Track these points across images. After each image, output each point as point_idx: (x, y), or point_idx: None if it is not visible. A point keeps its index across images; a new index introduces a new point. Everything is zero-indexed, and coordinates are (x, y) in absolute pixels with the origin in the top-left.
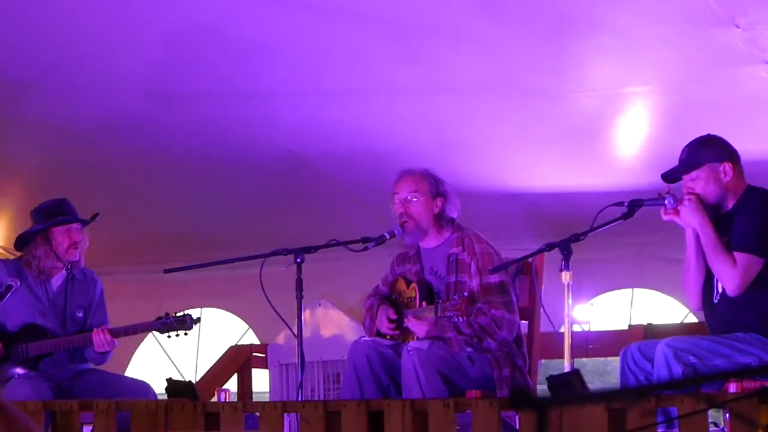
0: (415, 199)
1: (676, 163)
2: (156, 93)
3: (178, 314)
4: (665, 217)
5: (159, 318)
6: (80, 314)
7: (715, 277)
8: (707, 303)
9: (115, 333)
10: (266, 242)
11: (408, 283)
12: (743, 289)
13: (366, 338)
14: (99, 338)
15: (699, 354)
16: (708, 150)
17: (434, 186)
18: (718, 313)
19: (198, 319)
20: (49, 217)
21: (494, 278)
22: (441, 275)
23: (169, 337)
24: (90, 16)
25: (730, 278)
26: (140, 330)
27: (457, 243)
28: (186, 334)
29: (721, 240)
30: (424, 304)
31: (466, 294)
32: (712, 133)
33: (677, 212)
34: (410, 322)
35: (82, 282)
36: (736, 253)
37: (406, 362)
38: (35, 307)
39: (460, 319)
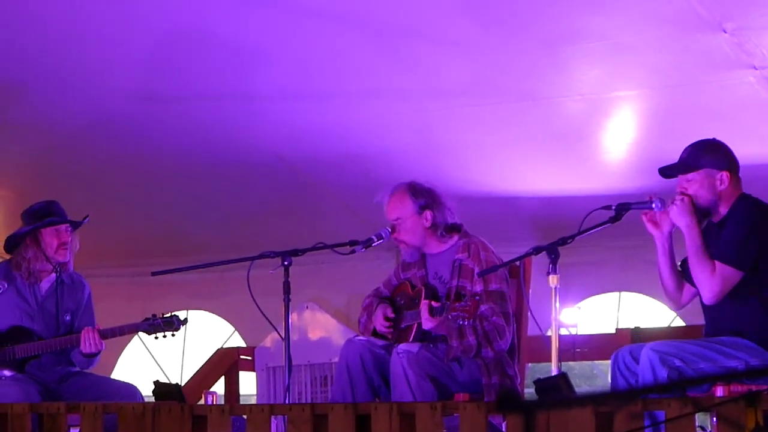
0: (399, 225)
1: (662, 166)
2: (144, 95)
3: (165, 315)
4: (647, 223)
5: (146, 319)
6: (68, 317)
7: None
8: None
9: (103, 334)
10: (254, 245)
11: (413, 287)
12: (719, 299)
13: (360, 337)
14: (87, 338)
15: (685, 358)
16: (709, 155)
17: (418, 201)
18: (708, 316)
19: (185, 320)
20: (38, 218)
21: (495, 286)
22: (445, 280)
23: (156, 338)
24: (77, 17)
25: (708, 286)
26: (128, 331)
27: (464, 249)
28: (173, 335)
29: (705, 245)
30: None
31: (477, 297)
32: (702, 138)
33: (655, 224)
34: (424, 314)
35: (71, 286)
36: (717, 263)
37: (395, 364)
38: (23, 309)
39: (466, 322)
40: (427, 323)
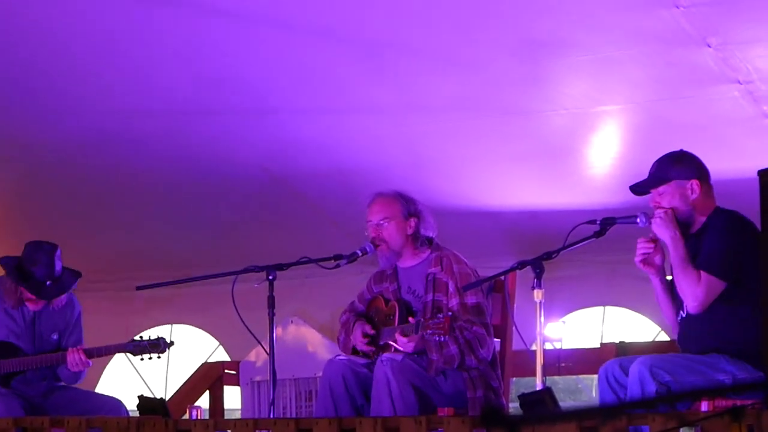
0: (386, 224)
1: (633, 184)
2: (127, 111)
3: (152, 337)
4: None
5: (133, 340)
6: (55, 336)
7: None
8: (678, 319)
9: (89, 353)
10: (238, 259)
11: (386, 301)
12: (704, 308)
13: (341, 357)
14: (73, 358)
15: (673, 371)
16: (677, 166)
17: (406, 207)
18: (688, 332)
19: (171, 343)
20: (19, 268)
21: (471, 299)
22: (419, 294)
23: (141, 359)
24: (58, 32)
25: (693, 295)
26: (114, 351)
27: (436, 262)
28: (159, 357)
29: (690, 256)
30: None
31: (450, 313)
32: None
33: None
34: (400, 340)
35: (61, 305)
36: (701, 272)
37: (378, 372)
38: (10, 328)
39: (442, 338)
40: (407, 347)
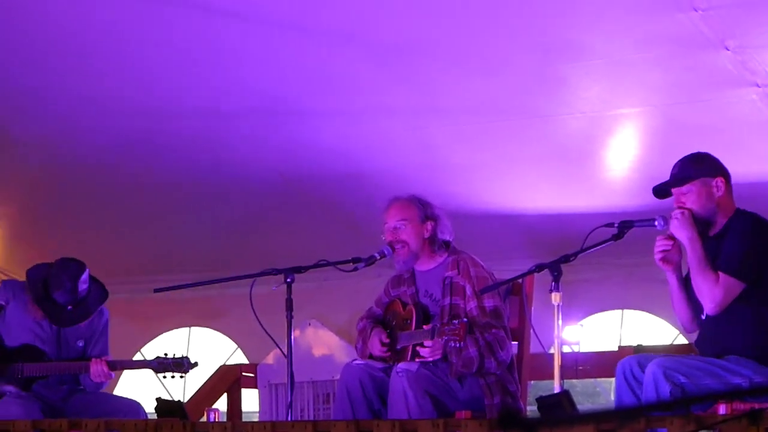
0: (403, 227)
1: (656, 185)
2: (145, 112)
3: (176, 356)
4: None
5: (157, 357)
6: (80, 344)
7: None
8: (697, 322)
9: (112, 366)
10: (256, 262)
11: (404, 305)
12: (721, 309)
13: (359, 361)
14: (96, 369)
15: (689, 373)
16: (701, 165)
17: (423, 210)
18: (706, 333)
19: (195, 364)
20: (45, 284)
21: (489, 303)
22: (436, 298)
23: (164, 377)
24: (77, 33)
25: (711, 296)
26: (137, 366)
27: (453, 266)
28: (182, 377)
29: (707, 257)
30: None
31: (465, 320)
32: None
33: (668, 262)
34: (423, 352)
35: None
36: (720, 273)
37: (394, 383)
38: (35, 332)
39: (457, 344)
40: (435, 355)
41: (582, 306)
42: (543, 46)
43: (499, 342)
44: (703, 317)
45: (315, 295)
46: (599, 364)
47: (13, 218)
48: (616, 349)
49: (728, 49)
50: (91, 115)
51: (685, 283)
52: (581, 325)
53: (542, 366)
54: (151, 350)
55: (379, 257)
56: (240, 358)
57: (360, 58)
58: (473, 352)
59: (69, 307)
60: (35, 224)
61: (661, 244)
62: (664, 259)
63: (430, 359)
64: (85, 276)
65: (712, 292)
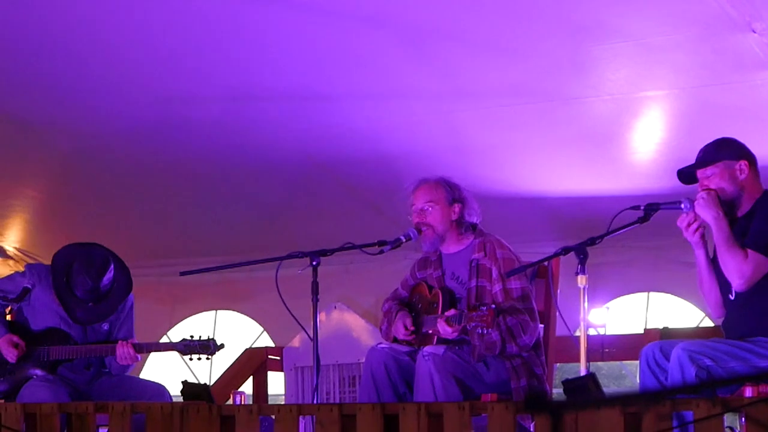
0: (430, 208)
1: (680, 168)
2: (172, 96)
3: (202, 338)
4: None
5: (183, 339)
6: (105, 326)
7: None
8: (725, 303)
9: (138, 348)
10: (282, 245)
11: (430, 288)
12: (750, 286)
13: (383, 345)
14: (123, 351)
15: (715, 357)
16: (725, 148)
17: (450, 193)
18: (733, 314)
19: (221, 345)
20: (67, 272)
21: (516, 285)
22: (463, 280)
23: (191, 359)
24: (96, 19)
25: (739, 272)
26: (163, 349)
27: (479, 248)
28: (208, 358)
29: (734, 235)
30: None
31: (493, 306)
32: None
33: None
34: (443, 330)
35: None
36: (748, 250)
37: (421, 367)
38: (61, 315)
39: (485, 331)
40: (451, 336)
41: (608, 289)
42: (570, 29)
43: (522, 326)
44: (732, 297)
45: (341, 278)
46: (625, 346)
47: (40, 202)
48: (641, 331)
49: (755, 32)
50: (117, 100)
51: (714, 265)
52: (607, 308)
53: (568, 349)
54: (177, 334)
55: (404, 240)
56: (266, 341)
57: (388, 41)
58: (495, 336)
59: (90, 303)
60: (62, 208)
61: (687, 222)
62: (702, 236)
63: (445, 336)
64: (109, 275)
65: (741, 269)
